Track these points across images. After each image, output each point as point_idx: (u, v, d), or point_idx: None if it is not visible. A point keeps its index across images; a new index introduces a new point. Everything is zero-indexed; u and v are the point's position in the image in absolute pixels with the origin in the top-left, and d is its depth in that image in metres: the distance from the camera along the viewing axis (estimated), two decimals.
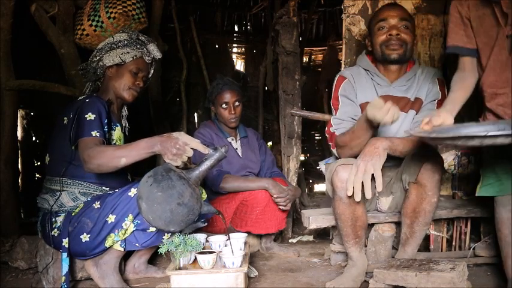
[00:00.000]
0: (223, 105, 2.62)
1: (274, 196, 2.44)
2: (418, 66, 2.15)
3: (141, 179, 1.86)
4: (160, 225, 1.68)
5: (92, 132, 1.87)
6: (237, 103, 2.63)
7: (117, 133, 2.13)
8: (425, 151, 1.85)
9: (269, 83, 4.12)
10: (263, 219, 2.47)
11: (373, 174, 1.75)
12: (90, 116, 1.91)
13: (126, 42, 2.15)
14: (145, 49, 2.19)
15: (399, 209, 2.05)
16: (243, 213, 2.49)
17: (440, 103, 2.03)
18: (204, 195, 2.07)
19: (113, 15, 2.51)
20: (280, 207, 2.48)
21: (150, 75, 2.29)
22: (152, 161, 3.18)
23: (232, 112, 2.61)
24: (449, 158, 2.56)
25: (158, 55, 2.24)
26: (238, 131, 2.78)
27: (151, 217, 1.66)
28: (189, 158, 1.75)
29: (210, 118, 3.66)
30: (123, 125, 2.24)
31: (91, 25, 2.55)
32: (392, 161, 1.95)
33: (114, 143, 2.11)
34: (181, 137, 1.74)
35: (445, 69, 2.61)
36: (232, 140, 2.72)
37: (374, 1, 2.56)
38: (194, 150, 1.74)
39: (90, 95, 2.10)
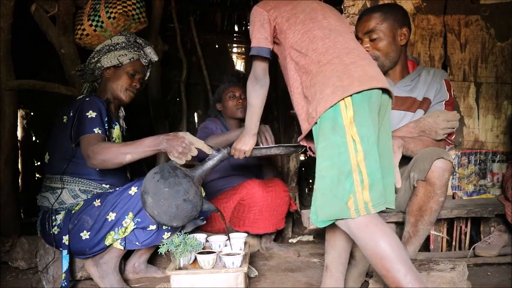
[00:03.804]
0: (231, 97, 2.75)
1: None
2: (421, 66, 2.15)
3: (141, 178, 1.88)
4: (165, 220, 1.72)
5: (94, 129, 1.90)
6: (243, 96, 2.73)
7: (116, 131, 2.16)
8: (435, 149, 1.86)
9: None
10: (261, 219, 2.47)
11: None
12: (92, 114, 1.93)
13: (123, 44, 2.18)
14: (142, 52, 2.22)
15: (400, 209, 2.05)
16: (240, 212, 2.50)
17: (448, 104, 2.03)
18: (203, 193, 2.08)
19: (113, 15, 2.51)
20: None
21: (146, 78, 2.32)
22: (152, 162, 3.18)
23: (240, 101, 2.73)
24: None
25: (155, 58, 2.27)
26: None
27: (157, 212, 1.70)
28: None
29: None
30: (121, 125, 2.26)
31: (91, 25, 2.55)
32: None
33: (114, 141, 2.13)
34: (187, 136, 1.82)
35: (445, 69, 2.61)
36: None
37: (374, 1, 2.57)
38: (198, 150, 1.81)
39: (90, 94, 2.12)
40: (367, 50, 1.96)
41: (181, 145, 1.78)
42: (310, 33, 1.59)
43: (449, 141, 2.06)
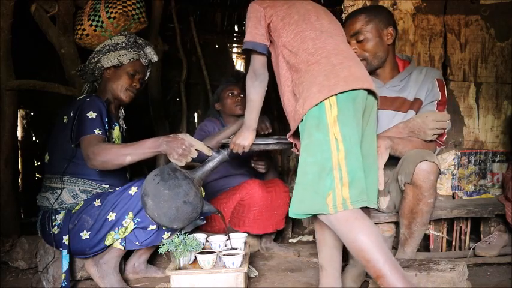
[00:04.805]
0: (230, 95, 2.76)
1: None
2: (413, 66, 2.14)
3: (140, 178, 1.88)
4: (165, 221, 1.73)
5: (94, 130, 1.90)
6: (242, 95, 2.73)
7: (115, 132, 2.16)
8: (420, 151, 1.86)
9: (268, 83, 4.11)
10: (261, 219, 2.47)
11: None
12: (92, 115, 1.93)
13: (123, 44, 2.18)
14: (142, 52, 2.22)
15: (397, 209, 2.05)
16: (240, 212, 2.50)
17: (440, 104, 2.02)
18: (203, 193, 2.08)
19: (113, 15, 2.51)
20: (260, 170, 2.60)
21: (146, 78, 2.32)
22: (152, 162, 3.18)
23: (238, 99, 2.74)
24: (449, 158, 2.56)
25: (155, 58, 2.27)
26: None
27: (157, 214, 1.71)
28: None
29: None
30: (121, 125, 2.26)
31: (91, 25, 2.55)
32: (389, 160, 1.96)
33: (113, 142, 2.13)
34: (187, 138, 1.81)
35: (445, 69, 2.61)
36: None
37: (374, 1, 2.57)
38: (198, 151, 1.81)
39: (90, 94, 2.12)
40: (354, 52, 1.97)
41: (181, 147, 1.78)
42: (302, 34, 1.62)
43: (440, 142, 2.04)
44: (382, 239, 1.43)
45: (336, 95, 1.45)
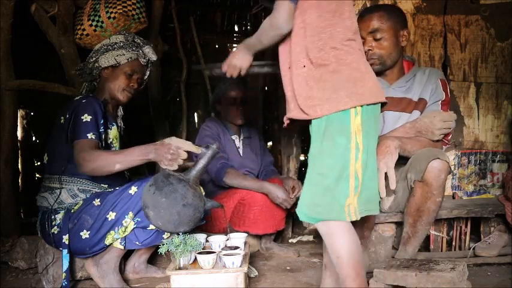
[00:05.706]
0: (231, 103, 2.69)
1: (279, 201, 2.42)
2: (417, 67, 2.15)
3: (140, 177, 1.88)
4: (170, 228, 1.75)
5: (87, 135, 1.90)
6: (242, 99, 2.69)
7: (113, 132, 2.15)
8: (432, 150, 1.86)
9: (269, 82, 4.13)
10: (261, 219, 2.47)
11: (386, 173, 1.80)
12: (86, 118, 1.92)
13: (121, 44, 2.18)
14: (140, 51, 2.21)
15: (400, 209, 2.05)
16: (240, 212, 2.50)
17: (444, 103, 2.04)
18: (202, 192, 2.08)
19: (113, 15, 2.50)
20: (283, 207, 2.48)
21: (146, 77, 2.31)
22: (153, 162, 3.17)
23: (240, 108, 2.68)
24: (449, 158, 2.56)
25: (153, 57, 2.26)
26: (242, 131, 2.80)
27: (161, 222, 1.72)
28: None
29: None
30: (119, 124, 2.25)
31: (91, 25, 2.54)
32: (397, 160, 1.96)
33: (111, 142, 2.13)
34: (173, 142, 1.81)
35: (445, 69, 2.61)
36: (236, 138, 2.76)
37: (374, 1, 2.57)
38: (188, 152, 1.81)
39: (87, 95, 2.12)
40: (369, 50, 1.97)
41: (169, 152, 1.78)
42: (333, 29, 1.51)
43: (446, 142, 2.06)
44: (362, 254, 1.51)
45: (361, 105, 1.46)
